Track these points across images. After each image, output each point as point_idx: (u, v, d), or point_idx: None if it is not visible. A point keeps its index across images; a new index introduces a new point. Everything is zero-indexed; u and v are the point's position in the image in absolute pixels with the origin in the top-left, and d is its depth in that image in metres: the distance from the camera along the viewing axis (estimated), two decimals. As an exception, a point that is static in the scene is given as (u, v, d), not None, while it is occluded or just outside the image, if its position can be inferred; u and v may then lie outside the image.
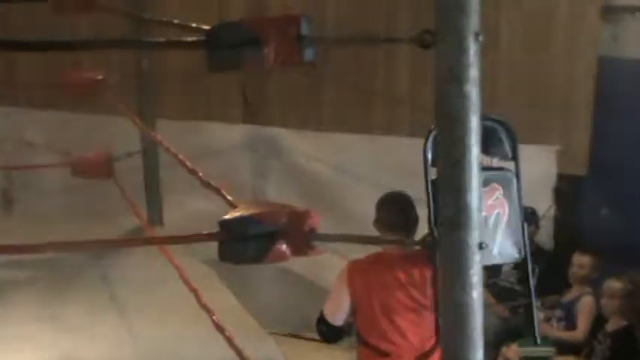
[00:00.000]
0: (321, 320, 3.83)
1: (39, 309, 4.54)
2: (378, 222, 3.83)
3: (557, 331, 5.55)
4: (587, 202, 6.32)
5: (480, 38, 2.01)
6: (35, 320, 4.43)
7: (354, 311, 3.82)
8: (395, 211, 3.81)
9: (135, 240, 5.03)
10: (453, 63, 1.97)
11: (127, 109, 5.22)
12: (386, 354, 3.78)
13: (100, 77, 5.28)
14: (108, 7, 5.20)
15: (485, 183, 5.48)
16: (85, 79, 5.40)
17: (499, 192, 5.41)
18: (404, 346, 3.78)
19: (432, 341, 3.71)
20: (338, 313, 3.80)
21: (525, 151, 5.88)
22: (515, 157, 5.42)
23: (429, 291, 3.67)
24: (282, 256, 2.08)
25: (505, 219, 5.34)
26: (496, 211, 5.34)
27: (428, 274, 3.64)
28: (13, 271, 4.81)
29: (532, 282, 5.40)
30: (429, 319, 3.70)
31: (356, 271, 3.81)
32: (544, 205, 6.21)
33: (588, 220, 6.28)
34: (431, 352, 3.72)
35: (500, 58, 6.28)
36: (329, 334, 3.86)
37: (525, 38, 6.35)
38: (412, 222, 3.74)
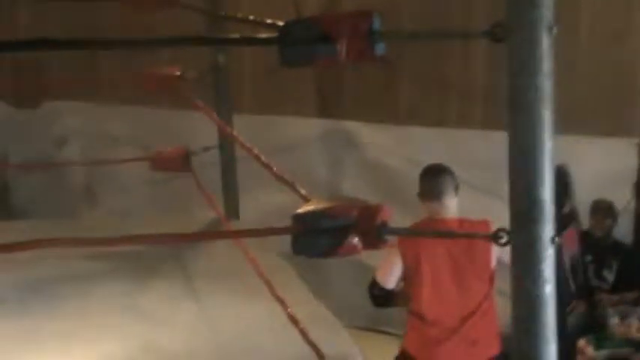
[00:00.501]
0: (374, 284, 3.99)
1: (121, 300, 4.66)
2: (418, 194, 4.04)
3: (636, 331, 5.43)
4: (669, 196, 6.16)
5: (554, 31, 1.99)
6: (118, 310, 4.55)
7: (405, 277, 3.93)
8: (425, 180, 4.02)
9: (212, 233, 5.15)
10: (525, 56, 1.97)
11: (203, 105, 5.32)
12: (429, 321, 3.95)
13: (178, 73, 5.40)
14: (184, 4, 5.31)
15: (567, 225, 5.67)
16: (164, 75, 5.52)
17: (575, 232, 5.61)
18: (446, 313, 3.95)
19: (475, 308, 3.92)
20: (390, 277, 3.98)
21: (605, 144, 5.83)
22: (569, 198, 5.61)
23: (478, 259, 3.91)
24: (354, 250, 2.11)
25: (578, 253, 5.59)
26: (575, 248, 5.55)
27: (477, 243, 3.84)
28: (96, 263, 4.96)
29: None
30: (474, 287, 3.93)
31: (407, 238, 3.90)
32: (624, 199, 6.09)
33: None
34: (471, 315, 3.94)
35: (580, 47, 6.16)
36: (380, 296, 4.02)
37: (606, 27, 6.21)
38: (442, 189, 3.95)
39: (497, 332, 4.07)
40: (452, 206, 3.98)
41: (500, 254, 3.82)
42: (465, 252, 3.92)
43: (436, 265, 3.91)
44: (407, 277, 3.99)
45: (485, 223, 3.78)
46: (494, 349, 4.07)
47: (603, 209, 5.79)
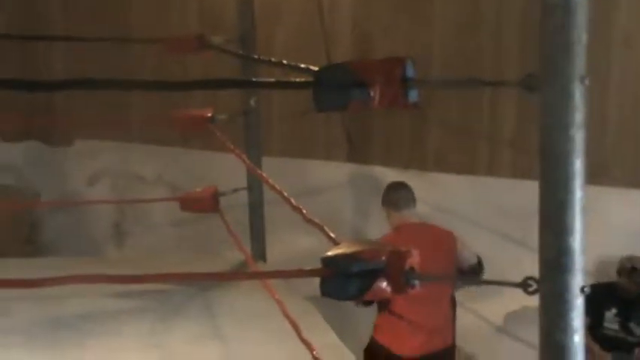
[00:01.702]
0: None
1: (148, 339, 4.67)
2: (388, 206, 4.94)
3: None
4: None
5: (586, 82, 2.01)
6: (143, 349, 4.56)
7: None
8: (394, 193, 4.94)
9: (242, 273, 5.16)
10: (558, 107, 1.98)
11: (233, 146, 5.37)
12: (404, 321, 4.51)
13: (210, 115, 5.46)
14: (219, 47, 5.39)
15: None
16: (195, 116, 5.58)
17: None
18: (420, 320, 4.54)
19: (442, 323, 4.63)
20: None
21: (635, 196, 5.76)
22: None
23: (446, 252, 4.62)
24: (381, 294, 2.12)
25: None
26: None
27: (444, 238, 4.75)
28: (124, 301, 4.98)
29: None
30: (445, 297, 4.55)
31: (389, 240, 4.27)
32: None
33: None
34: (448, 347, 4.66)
35: (610, 99, 6.17)
36: None
37: (635, 79, 6.22)
38: (410, 199, 4.93)
39: (452, 326, 4.80)
40: (416, 214, 4.87)
41: (461, 249, 4.75)
42: (434, 248, 4.32)
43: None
44: None
45: (448, 230, 4.84)
46: (450, 340, 4.79)
47: (629, 267, 5.74)
